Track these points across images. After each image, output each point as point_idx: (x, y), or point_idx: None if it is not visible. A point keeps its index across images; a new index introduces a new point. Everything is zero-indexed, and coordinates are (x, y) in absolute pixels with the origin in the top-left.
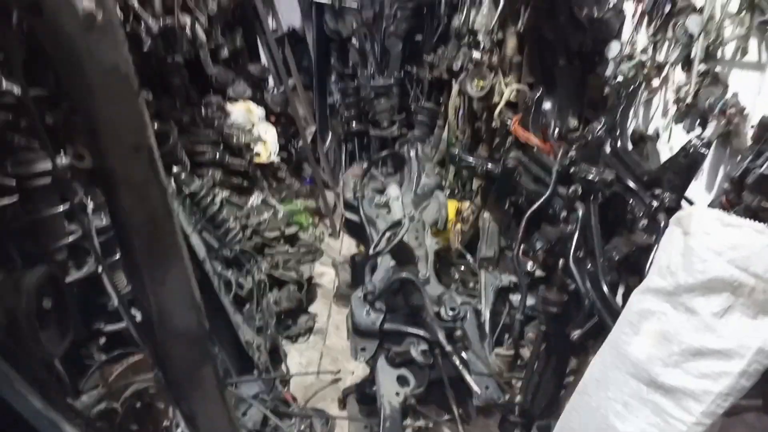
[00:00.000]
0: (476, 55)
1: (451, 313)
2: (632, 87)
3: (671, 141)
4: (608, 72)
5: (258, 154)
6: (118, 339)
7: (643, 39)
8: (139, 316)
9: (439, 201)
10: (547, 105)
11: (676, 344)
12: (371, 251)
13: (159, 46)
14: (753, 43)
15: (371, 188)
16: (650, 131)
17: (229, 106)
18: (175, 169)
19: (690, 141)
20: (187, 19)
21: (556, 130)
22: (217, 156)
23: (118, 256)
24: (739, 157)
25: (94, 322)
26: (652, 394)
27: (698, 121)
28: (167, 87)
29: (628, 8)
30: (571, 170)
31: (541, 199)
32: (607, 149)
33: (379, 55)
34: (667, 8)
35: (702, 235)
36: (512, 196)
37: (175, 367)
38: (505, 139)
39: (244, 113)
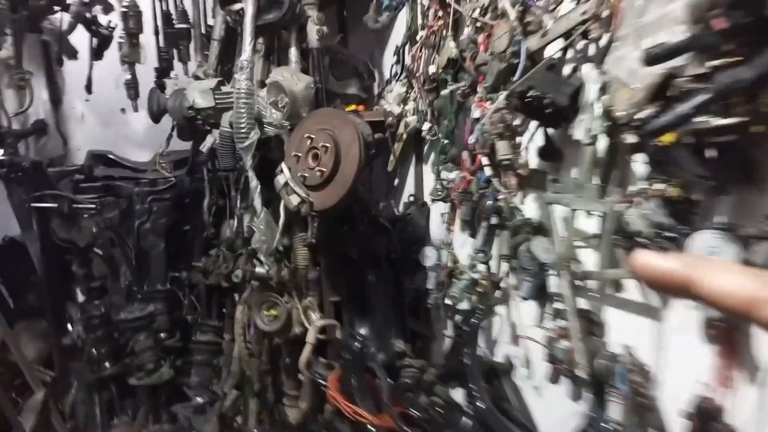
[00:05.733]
0: (260, 271)
1: None
2: (473, 316)
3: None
4: (430, 285)
5: None
6: None
7: (464, 249)
8: None
9: None
10: (363, 329)
11: None
12: None
13: None
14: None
15: None
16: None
17: None
18: None
19: None
20: None
21: (385, 374)
22: None
23: None
24: None
25: None
26: None
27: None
28: None
29: (437, 209)
30: None
31: None
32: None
33: (135, 261)
34: (494, 220)
35: None
36: None
37: None
38: (323, 402)
39: None
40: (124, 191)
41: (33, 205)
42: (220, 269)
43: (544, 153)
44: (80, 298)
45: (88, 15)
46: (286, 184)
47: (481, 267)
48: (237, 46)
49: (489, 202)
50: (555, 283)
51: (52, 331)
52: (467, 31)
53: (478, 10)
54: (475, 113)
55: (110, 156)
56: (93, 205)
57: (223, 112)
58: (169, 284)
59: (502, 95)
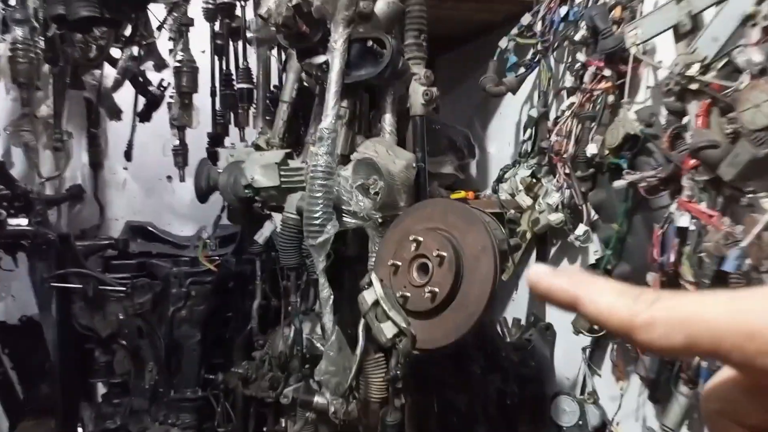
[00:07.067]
0: (320, 401)
1: None
2: None
3: None
4: None
5: None
6: None
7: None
8: None
9: None
10: None
11: None
12: None
13: None
14: None
15: None
16: None
17: None
18: None
19: None
20: None
21: None
22: None
23: None
24: None
25: None
26: None
27: None
28: None
29: (569, 337)
30: None
31: None
32: None
33: (165, 354)
34: None
35: None
36: None
37: None
38: None
39: None
40: (160, 271)
41: (54, 285)
42: (264, 380)
43: None
44: (101, 391)
45: (138, 71)
46: (377, 304)
47: None
48: (313, 111)
49: (703, 362)
50: None
51: None
52: (647, 94)
53: (696, 66)
54: (681, 220)
55: (150, 229)
56: (122, 288)
57: (290, 194)
58: (202, 390)
59: None
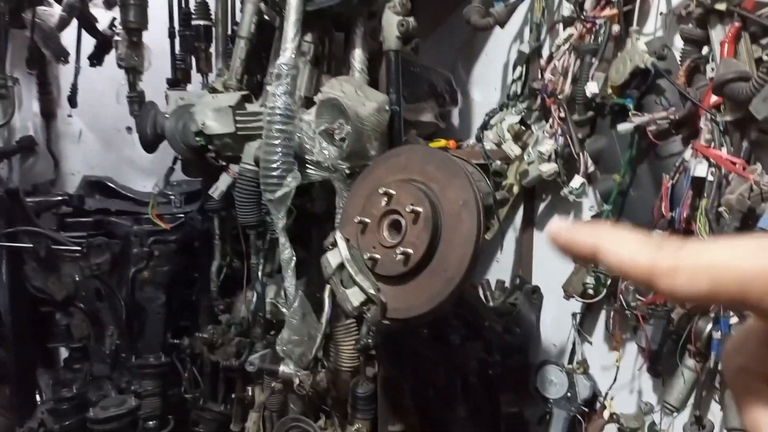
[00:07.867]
0: (285, 370)
1: None
2: None
3: None
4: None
5: None
6: None
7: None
8: None
9: None
10: None
11: None
12: None
13: None
14: None
15: None
16: None
17: None
18: None
19: None
20: None
21: None
22: None
23: None
24: None
25: None
26: None
27: None
28: None
29: (557, 301)
30: None
31: None
32: None
33: (127, 319)
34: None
35: None
36: None
37: None
38: None
39: None
40: (119, 229)
41: (2, 244)
42: (230, 345)
43: None
44: (63, 355)
45: (85, 8)
46: (341, 267)
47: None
48: (272, 47)
49: (715, 332)
50: None
51: (15, 407)
52: (658, 24)
53: None
54: (698, 169)
55: (109, 184)
56: (78, 247)
57: (247, 142)
58: (167, 354)
59: None
